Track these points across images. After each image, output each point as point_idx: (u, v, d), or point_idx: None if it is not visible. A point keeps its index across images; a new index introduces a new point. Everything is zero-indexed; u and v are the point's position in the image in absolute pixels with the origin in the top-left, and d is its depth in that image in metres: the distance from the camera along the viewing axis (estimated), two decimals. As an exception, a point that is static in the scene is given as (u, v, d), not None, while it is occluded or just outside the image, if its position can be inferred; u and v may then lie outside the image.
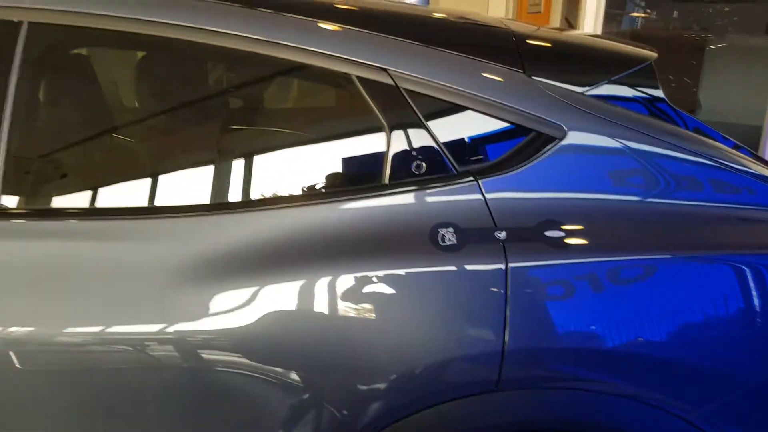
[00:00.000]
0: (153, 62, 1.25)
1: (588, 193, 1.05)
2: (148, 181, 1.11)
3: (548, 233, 1.02)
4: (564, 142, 1.05)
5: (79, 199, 1.10)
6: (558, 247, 1.02)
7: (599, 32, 4.29)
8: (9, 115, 1.05)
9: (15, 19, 1.06)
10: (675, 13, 5.09)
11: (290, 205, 1.04)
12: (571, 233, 1.03)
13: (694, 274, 1.04)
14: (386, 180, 1.05)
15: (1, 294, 1.00)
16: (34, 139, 1.13)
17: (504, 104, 1.06)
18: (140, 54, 1.27)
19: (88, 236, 1.04)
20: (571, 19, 5.47)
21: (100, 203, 1.09)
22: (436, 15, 1.34)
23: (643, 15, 5.33)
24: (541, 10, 5.35)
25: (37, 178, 1.13)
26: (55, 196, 1.12)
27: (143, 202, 1.08)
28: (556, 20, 5.12)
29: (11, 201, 1.07)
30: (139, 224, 1.04)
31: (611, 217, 1.05)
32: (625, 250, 1.03)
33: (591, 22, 4.31)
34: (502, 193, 1.04)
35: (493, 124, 1.07)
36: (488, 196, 1.03)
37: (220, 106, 1.20)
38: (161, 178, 1.10)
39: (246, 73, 1.18)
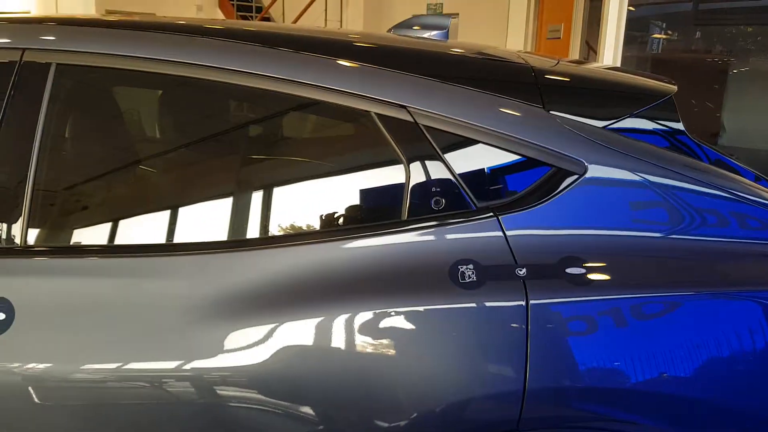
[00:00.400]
0: (175, 101, 1.28)
1: (609, 229, 1.04)
2: (165, 219, 1.13)
3: (569, 270, 1.01)
4: (584, 178, 1.05)
5: (100, 237, 1.13)
6: (579, 284, 1.00)
7: (619, 55, 4.27)
8: (36, 154, 1.09)
9: (44, 61, 1.12)
10: (697, 34, 5.06)
11: (309, 241, 1.05)
12: (592, 270, 1.02)
13: (720, 311, 1.02)
14: (405, 216, 1.06)
15: (23, 330, 1.02)
16: (58, 176, 1.16)
17: (523, 139, 1.06)
18: (163, 92, 1.32)
19: (108, 273, 1.06)
20: (591, 43, 5.48)
21: (119, 241, 1.11)
22: (454, 50, 1.35)
23: (664, 37, 5.30)
24: (561, 36, 5.37)
25: (59, 216, 1.16)
26: (77, 233, 1.14)
27: (161, 240, 1.10)
28: (576, 46, 5.12)
29: (36, 238, 1.11)
30: (156, 262, 1.06)
31: (633, 253, 1.03)
32: (648, 286, 1.01)
33: (611, 45, 4.30)
34: (522, 229, 1.04)
35: (513, 160, 1.08)
36: (508, 232, 1.03)
37: (240, 144, 1.22)
38: (179, 215, 1.13)
39: (266, 111, 1.20)
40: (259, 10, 10.10)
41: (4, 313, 1.02)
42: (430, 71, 1.13)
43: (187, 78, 1.11)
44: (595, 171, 1.05)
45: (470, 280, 1.01)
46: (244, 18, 10.06)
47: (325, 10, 9.32)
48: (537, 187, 1.06)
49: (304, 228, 1.09)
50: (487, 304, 1.00)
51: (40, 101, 1.10)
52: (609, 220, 1.04)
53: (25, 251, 1.09)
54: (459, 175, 1.07)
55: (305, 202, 1.11)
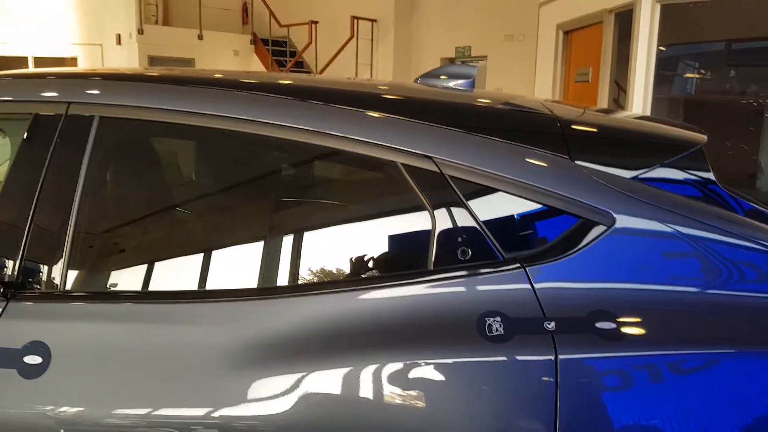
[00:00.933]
0: (208, 151, 1.32)
1: (641, 283, 1.01)
2: (197, 265, 1.15)
3: (599, 324, 0.98)
4: (613, 229, 1.03)
5: (135, 283, 1.15)
6: (610, 339, 0.97)
7: (650, 97, 4.24)
8: (77, 202, 1.13)
9: (87, 114, 1.18)
10: (731, 74, 4.99)
11: (336, 290, 1.06)
12: (624, 325, 0.98)
13: (762, 370, 0.98)
14: (432, 266, 1.06)
15: (59, 374, 1.04)
16: (98, 224, 1.20)
17: (549, 190, 1.05)
18: (198, 143, 1.36)
19: (141, 319, 1.08)
20: (621, 84, 5.46)
21: (153, 287, 1.14)
22: (480, 100, 1.37)
23: (696, 77, 5.24)
24: (589, 79, 5.36)
25: (97, 262, 1.19)
26: (113, 279, 1.17)
27: (192, 287, 1.12)
28: (605, 89, 5.11)
29: (74, 283, 1.14)
30: (188, 308, 1.08)
31: (667, 308, 1.00)
32: (685, 343, 0.97)
33: (641, 87, 4.28)
34: (550, 281, 1.01)
35: (539, 210, 1.06)
36: (536, 284, 1.01)
37: (270, 194, 1.24)
38: (210, 262, 1.15)
39: (296, 161, 1.23)
40: (293, 54, 10.41)
41: (41, 357, 1.05)
42: (456, 122, 1.14)
43: (220, 130, 1.15)
44: (623, 222, 1.03)
45: (498, 333, 0.99)
46: (279, 62, 10.37)
47: (356, 53, 9.56)
48: (564, 239, 1.05)
49: (332, 277, 1.09)
50: (516, 357, 0.97)
51: (83, 151, 1.16)
52: (640, 273, 1.01)
53: (64, 296, 1.12)
54: (485, 225, 1.06)
55: (333, 250, 1.12)
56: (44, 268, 1.13)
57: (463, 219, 1.06)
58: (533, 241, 1.06)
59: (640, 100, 4.21)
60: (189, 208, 1.31)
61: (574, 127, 1.21)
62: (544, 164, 1.08)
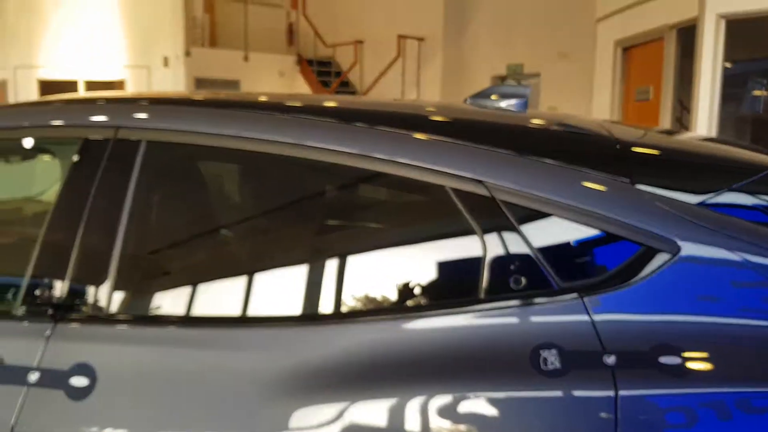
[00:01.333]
0: (254, 175, 1.33)
1: (708, 315, 0.94)
2: (242, 291, 1.14)
3: (663, 359, 0.92)
4: (677, 258, 0.96)
5: (180, 307, 1.15)
6: (675, 375, 0.91)
7: (716, 115, 4.05)
8: (124, 225, 1.14)
9: (135, 138, 1.20)
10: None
11: (383, 318, 1.03)
12: (690, 360, 0.92)
13: None
14: (483, 295, 1.01)
15: (103, 397, 1.04)
16: (144, 247, 1.22)
17: (608, 216, 0.99)
18: (243, 167, 1.36)
19: (185, 344, 1.08)
20: (685, 102, 5.26)
21: (197, 312, 1.13)
22: (534, 122, 1.31)
23: (767, 94, 4.99)
24: (650, 97, 5.18)
25: (143, 286, 1.20)
26: (158, 303, 1.18)
27: (237, 312, 1.11)
28: (667, 108, 4.93)
29: (120, 306, 1.15)
30: (232, 334, 1.07)
31: (736, 342, 0.93)
32: (754, 380, 0.91)
33: (706, 105, 4.10)
34: (609, 312, 0.95)
35: (598, 238, 1.00)
36: (595, 315, 0.95)
37: (316, 220, 1.23)
38: (255, 288, 1.13)
39: (342, 186, 1.21)
40: (338, 74, 10.57)
41: (87, 378, 1.05)
42: (509, 144, 1.09)
43: (264, 153, 1.15)
44: (688, 250, 0.96)
45: (553, 366, 0.93)
46: (324, 82, 10.53)
47: (402, 73, 9.61)
48: (625, 267, 0.98)
49: (377, 304, 1.06)
50: (572, 393, 0.92)
51: (130, 175, 1.17)
52: (707, 305, 0.95)
53: (110, 319, 1.13)
54: (540, 252, 1.00)
55: (378, 277, 1.08)
56: (91, 291, 1.15)
57: (515, 246, 1.01)
58: (591, 269, 1.00)
59: (705, 120, 4.03)
60: (234, 232, 1.31)
61: (634, 149, 1.16)
62: (603, 188, 1.02)
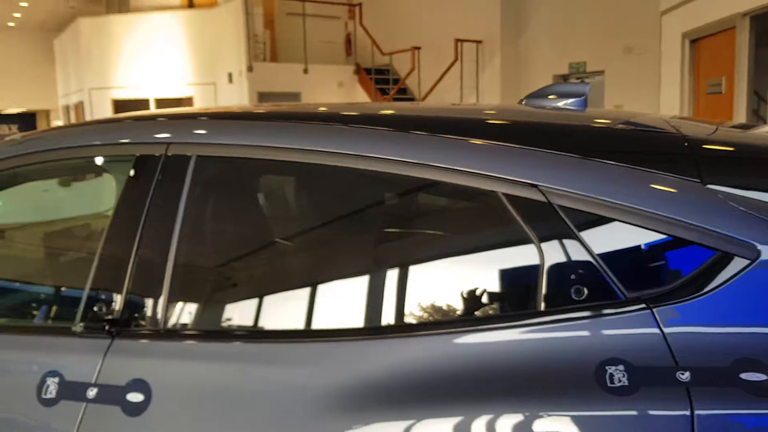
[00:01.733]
0: (306, 187, 1.32)
1: None
2: (297, 305, 1.13)
3: (746, 376, 0.84)
4: (758, 263, 0.88)
5: (236, 322, 1.15)
6: (759, 393, 0.83)
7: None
8: (176, 241, 1.15)
9: (188, 154, 1.21)
10: None
11: (435, 332, 0.99)
12: None
13: None
14: (542, 306, 0.95)
15: (158, 414, 1.04)
16: (197, 262, 1.22)
17: (678, 219, 0.92)
18: (296, 179, 1.36)
19: (241, 359, 1.07)
20: (762, 93, 4.92)
21: (254, 326, 1.13)
22: (594, 121, 1.24)
23: None
24: (723, 90, 4.87)
25: (197, 301, 1.20)
26: (213, 318, 1.18)
27: (294, 326, 1.10)
28: (741, 100, 4.62)
29: (174, 321, 1.15)
30: (289, 348, 1.06)
31: None
32: None
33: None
34: (683, 325, 0.88)
35: (668, 243, 0.93)
36: (666, 328, 0.88)
37: (368, 231, 1.21)
38: (310, 301, 1.12)
39: (394, 195, 1.19)
40: (396, 81, 10.59)
41: (142, 394, 1.05)
42: (564, 145, 1.03)
43: (317, 165, 1.13)
44: None
45: (621, 384, 0.86)
46: (382, 90, 10.57)
47: (461, 77, 9.51)
48: (699, 275, 0.90)
49: (433, 318, 1.02)
50: (643, 412, 0.85)
51: (182, 190, 1.18)
52: None
53: (166, 334, 1.14)
54: (603, 260, 0.94)
55: (433, 291, 1.04)
56: (147, 306, 1.16)
57: (576, 254, 0.95)
58: (661, 278, 0.93)
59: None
60: (288, 245, 1.31)
61: (705, 146, 1.06)
62: (671, 189, 0.95)
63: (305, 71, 10.31)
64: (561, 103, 1.41)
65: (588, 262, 0.94)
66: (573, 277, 0.94)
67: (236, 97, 10.05)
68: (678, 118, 1.32)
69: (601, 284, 0.93)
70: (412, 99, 10.34)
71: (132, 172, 1.24)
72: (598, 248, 0.95)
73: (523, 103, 1.48)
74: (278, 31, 10.97)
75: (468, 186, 1.03)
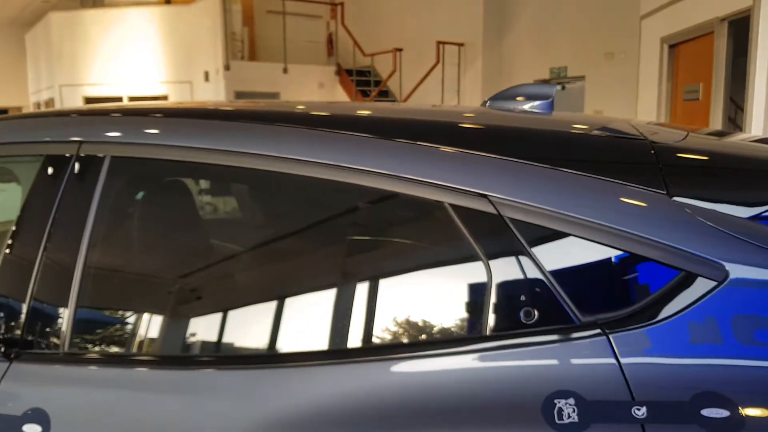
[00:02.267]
0: (231, 193, 1.22)
1: (765, 356, 0.77)
2: (208, 329, 1.02)
3: (707, 412, 0.76)
4: (725, 284, 0.79)
5: (146, 347, 1.04)
6: (723, 430, 0.75)
7: (773, 114, 3.74)
8: (85, 252, 1.03)
9: (101, 154, 1.08)
10: None
11: (365, 359, 0.89)
12: (741, 412, 0.75)
13: None
14: (486, 331, 0.86)
15: None
16: (102, 282, 1.10)
17: (639, 236, 0.83)
18: (219, 183, 1.24)
19: (151, 387, 0.97)
20: (738, 101, 4.92)
21: (164, 351, 1.03)
22: (555, 126, 1.15)
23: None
24: (699, 97, 4.84)
25: (103, 323, 1.09)
26: (120, 342, 1.07)
27: (219, 351, 1.00)
28: (718, 107, 4.60)
29: (79, 345, 1.04)
30: (201, 376, 0.96)
31: None
32: None
33: (762, 103, 3.79)
34: (641, 354, 0.79)
35: (626, 262, 0.84)
36: (623, 358, 0.79)
37: (296, 244, 1.08)
38: (232, 325, 1.01)
39: (321, 205, 1.05)
40: (378, 83, 10.51)
41: (40, 426, 0.96)
42: (519, 152, 0.93)
43: (242, 169, 1.02)
44: (738, 273, 0.79)
45: (570, 420, 0.78)
46: (363, 92, 10.48)
47: (442, 80, 9.47)
48: (660, 297, 0.82)
49: (361, 343, 0.92)
50: None
51: (93, 193, 1.07)
52: (763, 343, 0.77)
53: (69, 357, 1.03)
54: (556, 280, 0.84)
55: (367, 311, 0.94)
56: (49, 327, 1.05)
57: (527, 271, 0.86)
58: (619, 300, 0.83)
59: (760, 120, 3.71)
60: (207, 258, 1.16)
61: (673, 154, 0.97)
62: (633, 202, 0.86)
63: (285, 71, 10.18)
64: (527, 106, 1.33)
65: (540, 281, 0.85)
66: (523, 297, 0.85)
67: (213, 96, 9.88)
68: (651, 124, 1.23)
69: (554, 306, 0.84)
70: (393, 101, 10.26)
71: (39, 174, 1.13)
72: (551, 266, 0.85)
73: (487, 104, 1.39)
74: (257, 29, 10.81)
75: (410, 195, 0.92)
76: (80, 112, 1.25)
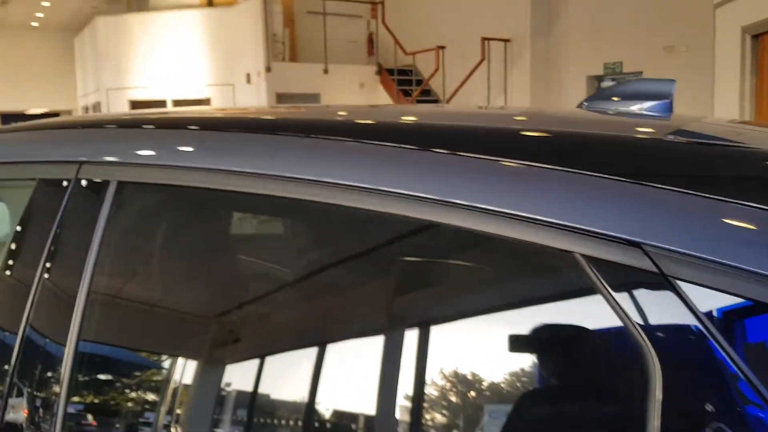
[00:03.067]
0: (270, 227, 0.96)
1: None
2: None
3: None
4: None
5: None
6: None
7: None
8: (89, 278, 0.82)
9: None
10: None
11: None
12: None
13: None
14: None
15: None
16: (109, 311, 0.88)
17: None
18: (253, 216, 0.98)
19: None
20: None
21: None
22: (707, 138, 0.85)
23: None
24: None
25: (102, 404, 0.86)
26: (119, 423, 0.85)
27: None
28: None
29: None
30: None
31: None
32: None
33: None
34: None
35: None
36: None
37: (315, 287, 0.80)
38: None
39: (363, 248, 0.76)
40: (419, 82, 10.25)
41: None
42: (682, 179, 0.63)
43: (275, 197, 0.76)
44: None
45: None
46: (405, 91, 10.25)
47: (488, 77, 9.11)
48: None
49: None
50: None
51: (95, 226, 0.85)
52: None
53: None
54: (761, 380, 0.54)
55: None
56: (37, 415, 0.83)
57: (715, 366, 0.55)
58: None
59: None
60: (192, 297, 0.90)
61: None
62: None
63: (325, 71, 10.03)
64: (635, 107, 1.03)
65: (737, 379, 0.54)
66: (708, 408, 0.54)
67: (254, 98, 9.82)
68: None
69: (759, 424, 0.53)
70: (436, 101, 9.96)
71: (31, 202, 0.94)
72: (754, 357, 0.54)
73: (584, 107, 1.10)
74: (298, 30, 10.71)
75: (519, 239, 0.63)
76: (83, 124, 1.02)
